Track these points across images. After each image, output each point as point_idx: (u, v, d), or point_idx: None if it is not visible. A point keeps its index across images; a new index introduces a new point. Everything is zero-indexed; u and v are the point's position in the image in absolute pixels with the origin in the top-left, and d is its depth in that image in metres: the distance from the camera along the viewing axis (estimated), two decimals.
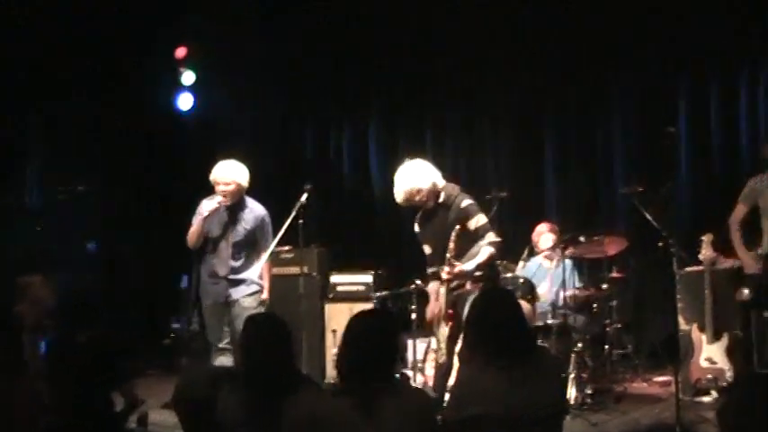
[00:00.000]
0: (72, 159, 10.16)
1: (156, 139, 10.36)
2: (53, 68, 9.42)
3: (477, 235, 6.12)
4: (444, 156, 10.00)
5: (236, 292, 6.91)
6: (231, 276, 6.91)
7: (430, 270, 6.42)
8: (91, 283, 10.00)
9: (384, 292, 8.21)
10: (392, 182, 9.89)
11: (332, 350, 8.22)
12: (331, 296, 8.60)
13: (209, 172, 10.25)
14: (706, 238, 7.22)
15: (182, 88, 10.16)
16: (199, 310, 9.47)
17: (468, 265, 6.05)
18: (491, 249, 6.08)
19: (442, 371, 6.19)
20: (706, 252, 7.18)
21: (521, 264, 7.92)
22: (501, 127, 9.90)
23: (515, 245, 8.22)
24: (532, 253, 8.06)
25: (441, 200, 6.23)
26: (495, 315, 3.84)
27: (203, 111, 10.41)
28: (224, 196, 6.85)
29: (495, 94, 9.75)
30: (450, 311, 6.10)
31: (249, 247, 6.94)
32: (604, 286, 7.79)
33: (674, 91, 9.04)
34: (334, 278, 8.69)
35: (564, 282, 7.24)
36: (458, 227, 6.01)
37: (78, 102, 9.75)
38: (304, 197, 6.69)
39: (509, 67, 9.28)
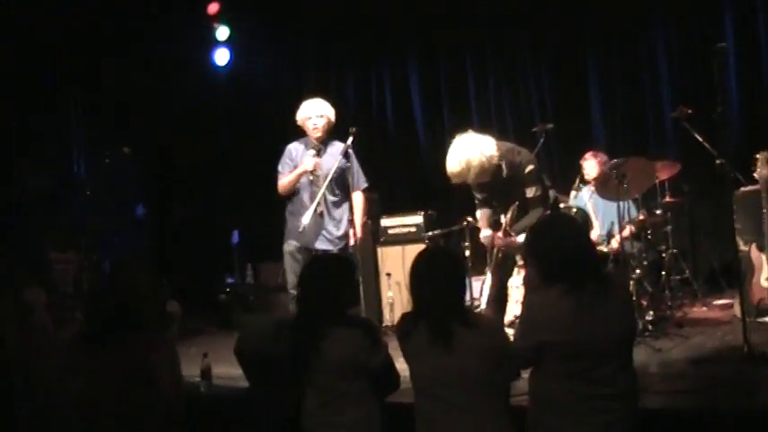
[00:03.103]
0: (114, 124, 10.20)
1: (195, 96, 10.35)
2: (87, 35, 9.44)
3: (529, 204, 6.00)
4: (487, 92, 9.93)
5: (323, 243, 6.67)
6: (327, 217, 6.66)
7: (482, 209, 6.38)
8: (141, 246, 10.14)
9: (436, 231, 8.16)
10: (435, 122, 9.99)
11: (387, 293, 8.24)
12: (383, 239, 8.61)
13: (250, 125, 10.31)
14: (761, 156, 7.01)
15: (217, 44, 10.15)
16: (253, 263, 9.58)
17: (521, 238, 5.93)
18: None
19: (495, 304, 6.22)
20: (761, 170, 6.97)
21: (572, 194, 7.82)
22: (542, 57, 9.74)
23: (566, 176, 8.12)
24: (583, 182, 7.96)
25: (504, 174, 5.98)
26: (563, 239, 3.79)
27: (240, 65, 10.40)
28: (316, 131, 6.71)
29: (532, 25, 9.60)
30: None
31: (342, 184, 6.73)
32: (658, 212, 7.69)
33: (718, 6, 8.80)
34: (385, 221, 8.69)
35: (619, 211, 7.14)
36: (516, 203, 5.93)
37: (115, 66, 9.77)
38: (350, 140, 6.60)
39: None
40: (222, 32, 10.12)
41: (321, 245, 6.66)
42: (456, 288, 3.88)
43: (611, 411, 3.58)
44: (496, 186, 6.07)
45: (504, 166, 5.96)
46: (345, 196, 6.77)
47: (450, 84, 10.13)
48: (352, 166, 6.72)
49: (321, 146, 6.73)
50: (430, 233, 8.21)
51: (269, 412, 4.82)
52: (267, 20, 10.35)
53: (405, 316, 3.97)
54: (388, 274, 8.24)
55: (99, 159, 10.06)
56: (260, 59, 10.64)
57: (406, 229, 8.57)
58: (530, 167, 5.99)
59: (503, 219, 6.03)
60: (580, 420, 3.57)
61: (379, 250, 8.51)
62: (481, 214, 6.33)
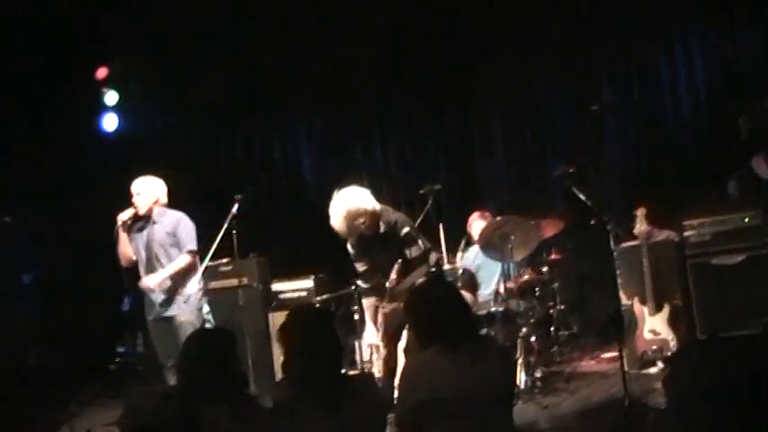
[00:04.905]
0: None
1: (82, 163, 10.19)
2: None
3: (414, 264, 6.20)
4: (373, 154, 10.03)
5: (170, 309, 6.80)
6: (170, 282, 6.79)
7: (365, 285, 6.56)
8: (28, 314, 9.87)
9: (326, 296, 8.16)
10: (325, 185, 10.01)
11: (280, 359, 8.14)
12: (274, 304, 8.51)
13: None
14: (639, 213, 7.27)
15: (105, 109, 10.00)
16: (144, 330, 9.39)
17: None
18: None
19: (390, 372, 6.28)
20: (641, 226, 7.23)
21: (459, 254, 7.91)
22: (428, 118, 9.92)
23: (453, 236, 8.21)
24: (470, 243, 8.06)
25: (381, 230, 6.27)
26: (434, 300, 3.87)
27: (129, 130, 10.27)
28: (134, 207, 6.86)
29: (417, 84, 9.76)
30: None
31: (174, 250, 6.85)
32: (545, 269, 7.82)
33: (596, 67, 9.11)
34: (276, 286, 8.59)
35: (503, 269, 7.26)
36: (399, 260, 6.09)
37: None
38: (235, 207, 6.62)
39: (433, 50, 9.30)
40: (111, 97, 9.96)
41: (170, 311, 6.80)
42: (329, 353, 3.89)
43: None
44: (376, 244, 6.17)
45: (381, 222, 6.21)
46: None
47: (337, 146, 10.21)
48: (181, 231, 6.86)
49: (141, 222, 6.91)
50: (320, 297, 8.19)
51: None
52: (154, 85, 10.25)
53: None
54: None
55: None
56: (148, 125, 10.53)
57: (297, 294, 8.49)
58: (406, 229, 6.27)
59: (387, 282, 6.13)
60: None
61: (271, 315, 8.42)
62: (367, 304, 6.45)
